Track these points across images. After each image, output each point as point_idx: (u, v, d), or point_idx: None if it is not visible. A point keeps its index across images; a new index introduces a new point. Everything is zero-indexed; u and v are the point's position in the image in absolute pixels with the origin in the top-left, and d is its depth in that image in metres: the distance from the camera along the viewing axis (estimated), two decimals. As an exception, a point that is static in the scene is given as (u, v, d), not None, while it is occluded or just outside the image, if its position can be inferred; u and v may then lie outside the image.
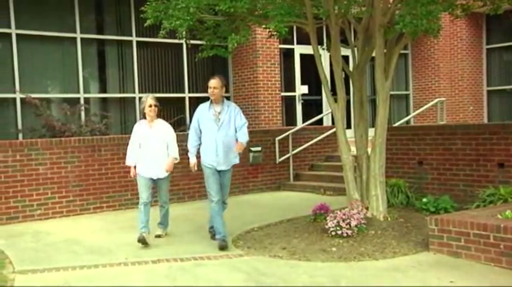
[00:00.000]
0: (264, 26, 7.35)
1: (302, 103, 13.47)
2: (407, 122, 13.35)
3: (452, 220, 5.72)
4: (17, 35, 10.25)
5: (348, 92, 8.57)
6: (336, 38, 7.20)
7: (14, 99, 10.24)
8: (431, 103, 12.77)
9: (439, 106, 12.79)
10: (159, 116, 6.67)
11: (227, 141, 6.28)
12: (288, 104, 13.35)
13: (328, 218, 6.61)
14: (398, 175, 8.68)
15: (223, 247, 6.13)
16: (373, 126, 7.30)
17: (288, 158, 10.75)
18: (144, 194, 6.51)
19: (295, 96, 13.45)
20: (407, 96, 15.95)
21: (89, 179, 8.58)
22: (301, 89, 13.44)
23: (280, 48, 12.75)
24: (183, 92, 12.28)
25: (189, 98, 12.26)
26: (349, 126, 9.12)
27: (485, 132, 7.96)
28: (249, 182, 10.25)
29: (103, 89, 11.59)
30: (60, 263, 5.76)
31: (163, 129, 6.61)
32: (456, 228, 5.62)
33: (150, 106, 6.51)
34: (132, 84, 11.62)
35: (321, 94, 13.34)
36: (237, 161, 6.45)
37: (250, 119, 11.65)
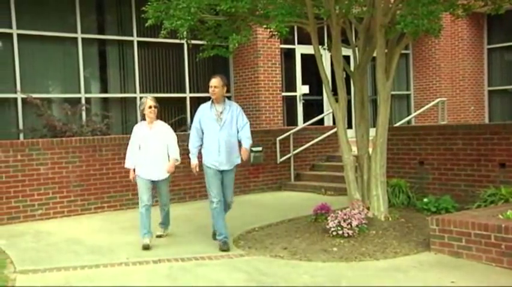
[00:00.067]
0: (265, 26, 7.34)
1: (303, 103, 13.47)
2: (409, 122, 13.35)
3: (453, 220, 5.71)
4: (18, 35, 10.26)
5: (349, 92, 8.57)
6: (337, 38, 7.20)
7: (15, 99, 10.24)
8: (432, 103, 12.76)
9: (440, 106, 12.78)
10: (158, 117, 6.62)
11: (229, 140, 6.25)
12: (289, 104, 13.35)
13: (329, 218, 6.61)
14: (399, 175, 8.67)
15: (224, 249, 6.12)
16: (374, 126, 7.29)
17: (289, 158, 10.75)
18: (144, 196, 6.43)
19: (296, 96, 13.45)
20: (408, 96, 15.95)
21: (90, 179, 8.59)
22: (302, 89, 13.44)
23: (281, 48, 12.75)
24: (184, 92, 12.29)
25: (190, 98, 12.26)
26: (350, 127, 9.12)
27: (487, 132, 7.95)
28: (250, 182, 10.26)
29: (104, 89, 11.60)
30: (61, 263, 5.76)
31: (163, 131, 6.56)
32: (457, 228, 5.62)
33: (150, 107, 6.45)
34: (133, 84, 11.62)
35: (321, 94, 13.34)
36: (238, 161, 6.42)
37: (251, 119, 11.64)
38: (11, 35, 10.20)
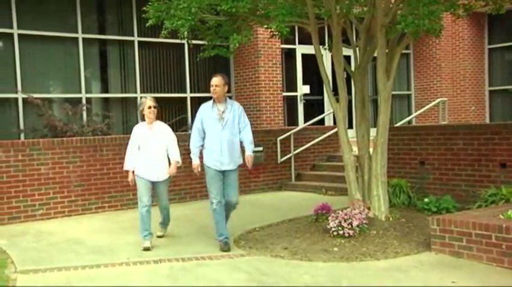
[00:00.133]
0: (265, 26, 7.35)
1: (304, 103, 13.47)
2: (409, 122, 13.34)
3: (454, 220, 5.71)
4: (19, 35, 10.26)
5: (349, 92, 8.58)
6: (337, 38, 7.20)
7: (16, 99, 10.25)
8: (433, 103, 12.76)
9: (441, 106, 12.78)
10: (158, 117, 6.54)
11: (232, 140, 6.19)
12: (290, 104, 13.35)
13: (330, 218, 6.61)
14: (400, 175, 8.67)
15: (225, 249, 6.11)
16: (375, 126, 7.29)
17: (290, 158, 10.76)
18: (144, 197, 6.35)
19: (296, 96, 13.45)
20: (409, 96, 15.95)
21: (90, 179, 8.59)
22: (303, 89, 13.44)
23: (282, 48, 12.75)
24: (185, 92, 12.29)
25: (191, 98, 12.26)
26: (351, 126, 9.14)
27: (487, 132, 7.95)
28: (250, 182, 10.26)
29: (105, 89, 11.60)
30: (62, 263, 5.76)
31: (163, 131, 6.49)
32: (458, 228, 5.61)
33: (150, 108, 6.37)
34: (134, 84, 11.62)
35: (322, 94, 13.35)
36: (240, 161, 6.37)
37: (252, 119, 11.65)
38: (11, 35, 10.20)
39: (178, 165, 6.60)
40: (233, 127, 6.21)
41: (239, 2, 6.34)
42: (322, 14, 6.86)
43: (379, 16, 6.87)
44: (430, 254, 5.78)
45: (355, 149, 7.46)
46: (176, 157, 6.51)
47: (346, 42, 7.74)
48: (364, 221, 6.53)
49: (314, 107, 13.53)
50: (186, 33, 6.81)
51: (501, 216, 5.73)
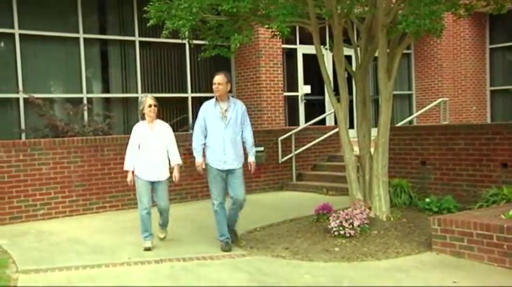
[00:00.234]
0: (266, 26, 7.35)
1: (305, 103, 13.47)
2: (410, 122, 13.33)
3: (455, 220, 5.71)
4: (20, 35, 10.27)
5: (350, 92, 8.57)
6: (338, 38, 7.20)
7: (17, 99, 10.26)
8: (434, 103, 12.75)
9: (442, 106, 12.77)
10: (158, 116, 6.45)
11: (235, 139, 6.15)
12: (291, 104, 13.35)
13: (330, 218, 6.61)
14: (401, 175, 8.67)
15: (226, 249, 6.11)
16: (376, 126, 7.29)
17: (291, 158, 10.75)
18: (144, 198, 6.27)
19: (297, 96, 13.45)
20: (410, 96, 15.94)
21: (91, 179, 8.60)
22: (304, 89, 13.44)
23: (283, 48, 12.75)
24: (186, 92, 12.29)
25: (192, 98, 12.26)
26: (352, 126, 9.14)
27: (489, 132, 7.95)
28: (251, 182, 10.24)
29: (106, 89, 11.61)
30: (63, 263, 5.76)
31: (164, 130, 6.41)
32: (459, 228, 5.61)
33: (150, 106, 6.28)
34: (135, 84, 11.63)
35: (323, 94, 13.34)
36: (242, 160, 6.36)
37: (253, 119, 11.65)
38: (13, 35, 10.21)
39: (181, 167, 6.53)
40: (236, 126, 6.16)
41: (240, 2, 6.34)
42: (323, 14, 6.86)
43: (380, 16, 6.86)
44: (431, 254, 5.78)
45: (356, 149, 7.46)
46: (177, 159, 6.43)
47: (347, 42, 7.73)
48: (365, 221, 6.52)
49: (315, 107, 13.53)
50: (187, 33, 6.80)
51: (502, 216, 5.72)
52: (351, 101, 8.04)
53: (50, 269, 5.55)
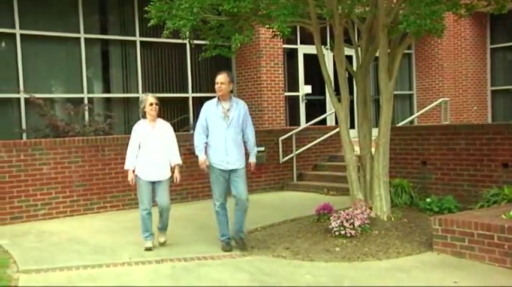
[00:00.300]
0: (267, 26, 7.35)
1: (305, 103, 13.47)
2: (411, 122, 13.33)
3: (456, 220, 5.71)
4: (21, 35, 10.27)
5: (351, 92, 8.58)
6: (339, 38, 7.19)
7: (18, 99, 10.26)
8: (435, 103, 12.75)
9: (443, 106, 12.77)
10: (159, 116, 6.40)
11: (236, 139, 6.11)
12: (292, 104, 13.34)
13: (331, 218, 6.60)
14: (402, 175, 8.66)
15: (227, 249, 6.11)
16: (376, 126, 7.29)
17: (292, 158, 10.75)
18: (145, 198, 6.22)
19: (298, 96, 13.44)
20: (411, 96, 15.93)
21: (92, 178, 8.60)
22: (305, 89, 13.44)
23: (284, 48, 12.75)
24: (187, 92, 12.29)
25: (193, 98, 12.26)
26: (352, 126, 9.13)
27: (489, 132, 7.94)
28: (252, 182, 10.23)
29: (107, 89, 11.61)
30: (63, 263, 5.76)
31: (165, 129, 6.36)
32: (460, 228, 5.61)
33: (151, 105, 6.22)
34: (136, 84, 11.63)
35: (324, 94, 13.33)
36: (244, 159, 6.36)
37: (254, 119, 11.58)
38: (13, 35, 10.22)
39: (181, 168, 6.49)
40: (238, 126, 6.12)
41: (241, 2, 6.34)
42: (324, 14, 6.87)
43: (381, 16, 6.86)
44: (432, 254, 5.77)
45: (357, 149, 7.46)
46: (177, 159, 6.39)
47: (348, 42, 7.73)
48: (366, 221, 6.52)
49: (316, 107, 13.52)
50: (187, 33, 6.80)
51: (503, 216, 5.72)
52: (351, 101, 8.03)
53: (50, 269, 5.55)
